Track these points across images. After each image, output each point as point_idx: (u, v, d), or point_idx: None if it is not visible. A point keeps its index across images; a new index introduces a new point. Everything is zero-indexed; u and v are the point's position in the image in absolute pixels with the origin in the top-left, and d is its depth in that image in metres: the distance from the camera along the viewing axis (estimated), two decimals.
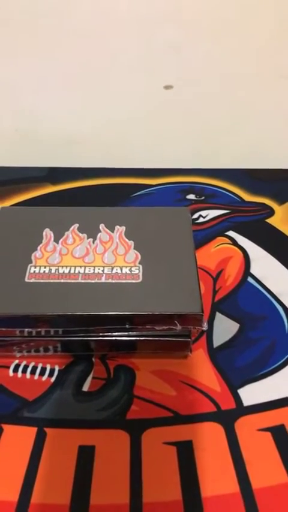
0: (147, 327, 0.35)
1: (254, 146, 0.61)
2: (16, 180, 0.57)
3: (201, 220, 0.51)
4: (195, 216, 0.51)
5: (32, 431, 0.33)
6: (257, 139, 0.62)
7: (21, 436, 0.33)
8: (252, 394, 0.36)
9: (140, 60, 0.56)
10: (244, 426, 0.34)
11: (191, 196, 0.54)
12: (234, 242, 0.48)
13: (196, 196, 0.54)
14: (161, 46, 0.55)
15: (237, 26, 0.53)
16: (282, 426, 0.34)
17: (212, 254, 0.47)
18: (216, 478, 0.31)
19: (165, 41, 0.54)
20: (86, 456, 0.32)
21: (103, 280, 0.36)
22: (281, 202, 0.54)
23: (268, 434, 0.33)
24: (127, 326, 0.35)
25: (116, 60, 0.56)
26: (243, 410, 0.35)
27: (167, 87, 0.60)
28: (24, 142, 0.62)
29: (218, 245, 0.48)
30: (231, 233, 0.49)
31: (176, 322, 0.34)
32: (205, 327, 0.35)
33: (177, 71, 0.58)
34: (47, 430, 0.34)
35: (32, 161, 0.59)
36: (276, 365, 0.38)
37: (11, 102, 0.59)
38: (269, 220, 0.51)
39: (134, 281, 0.36)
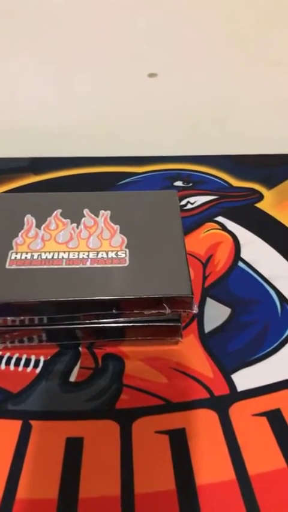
0: (135, 312, 0.33)
1: (241, 133, 0.60)
2: None
3: (189, 206, 0.50)
4: (183, 202, 0.50)
5: (17, 424, 0.32)
6: (243, 126, 0.61)
7: (5, 430, 0.31)
8: (246, 379, 0.34)
9: (124, 48, 0.55)
10: (238, 412, 0.32)
11: (179, 183, 0.53)
12: (223, 227, 0.47)
13: (184, 183, 0.53)
14: (144, 33, 0.54)
15: (224, 12, 0.52)
16: (277, 410, 0.33)
17: (201, 240, 0.46)
18: (211, 465, 0.30)
19: (149, 27, 0.53)
20: (74, 448, 0.30)
21: (88, 265, 0.34)
22: (269, 187, 0.53)
23: (264, 419, 0.32)
24: (114, 311, 0.33)
25: (99, 48, 0.55)
26: (237, 396, 0.33)
27: (151, 75, 0.59)
28: (7, 134, 0.60)
29: (207, 231, 0.47)
30: (220, 218, 0.48)
31: (165, 305, 0.33)
32: (195, 310, 0.33)
33: (161, 58, 0.57)
34: (32, 422, 0.32)
35: (15, 153, 0.57)
36: (270, 349, 0.36)
37: None
38: (258, 205, 0.50)
39: (120, 265, 0.34)
